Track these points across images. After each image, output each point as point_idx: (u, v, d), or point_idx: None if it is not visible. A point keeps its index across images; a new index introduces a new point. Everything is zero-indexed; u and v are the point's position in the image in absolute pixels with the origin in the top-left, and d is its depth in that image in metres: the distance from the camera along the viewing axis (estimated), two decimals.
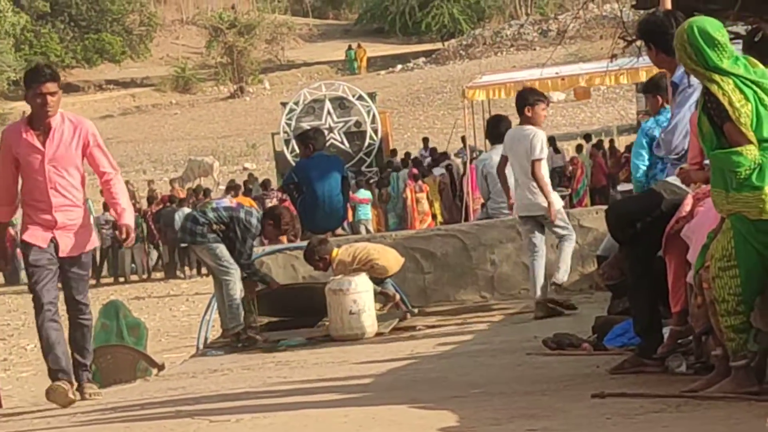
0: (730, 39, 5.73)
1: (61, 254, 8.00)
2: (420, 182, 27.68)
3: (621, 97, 46.39)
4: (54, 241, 7.99)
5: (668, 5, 8.28)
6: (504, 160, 10.73)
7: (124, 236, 8.18)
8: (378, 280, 11.04)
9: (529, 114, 10.53)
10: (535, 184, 10.39)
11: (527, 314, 10.59)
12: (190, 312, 21.23)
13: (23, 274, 24.28)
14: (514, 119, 11.43)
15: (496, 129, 11.90)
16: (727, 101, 5.41)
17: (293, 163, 23.39)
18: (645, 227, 6.50)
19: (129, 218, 8.21)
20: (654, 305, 6.62)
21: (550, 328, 8.86)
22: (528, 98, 10.63)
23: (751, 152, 5.36)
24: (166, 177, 40.92)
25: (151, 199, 30.71)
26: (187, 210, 24.88)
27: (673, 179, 6.66)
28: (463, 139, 29.71)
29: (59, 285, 8.09)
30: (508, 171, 10.75)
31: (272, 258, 12.41)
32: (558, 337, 8.09)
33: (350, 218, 23.53)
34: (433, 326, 10.73)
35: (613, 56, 14.20)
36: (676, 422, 5.12)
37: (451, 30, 67.92)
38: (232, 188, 28.83)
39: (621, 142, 32.07)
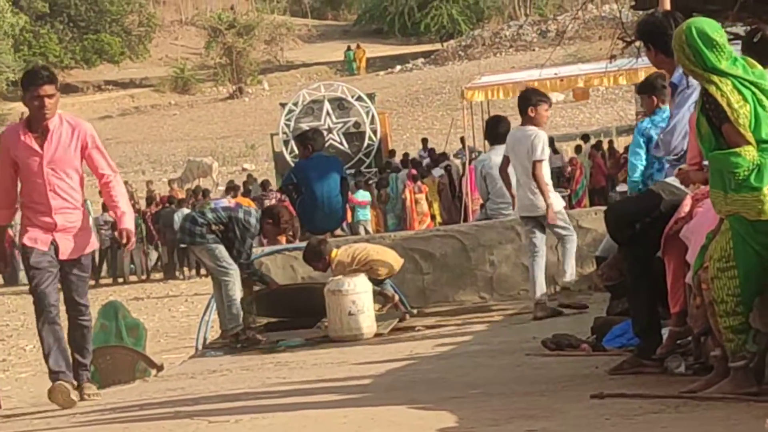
0: (729, 40, 5.73)
1: (61, 257, 7.99)
2: (419, 183, 27.63)
3: (620, 97, 46.34)
4: (54, 244, 7.98)
5: (667, 6, 8.30)
6: (506, 160, 10.73)
7: (124, 241, 8.15)
8: (377, 280, 11.04)
9: (532, 114, 10.50)
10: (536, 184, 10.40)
11: (526, 315, 10.60)
12: (189, 313, 21.22)
13: (22, 275, 24.28)
14: (514, 120, 11.42)
15: (495, 130, 11.90)
16: (726, 102, 5.41)
17: (292, 164, 23.35)
18: (644, 228, 6.50)
19: (129, 222, 8.18)
20: (653, 306, 6.62)
21: (549, 329, 8.86)
22: (531, 99, 10.60)
23: (749, 153, 5.36)
24: (165, 178, 40.88)
25: (150, 200, 30.71)
26: (186, 211, 24.89)
27: (672, 180, 6.67)
28: (462, 139, 29.67)
29: (59, 286, 8.09)
30: (510, 171, 10.76)
31: (271, 258, 12.41)
32: (557, 338, 8.10)
33: (349, 219, 23.52)
34: (432, 327, 10.73)
35: (612, 57, 14.23)
36: (674, 423, 5.12)
37: (450, 31, 67.84)
38: (231, 189, 28.86)
39: (620, 143, 32.08)
